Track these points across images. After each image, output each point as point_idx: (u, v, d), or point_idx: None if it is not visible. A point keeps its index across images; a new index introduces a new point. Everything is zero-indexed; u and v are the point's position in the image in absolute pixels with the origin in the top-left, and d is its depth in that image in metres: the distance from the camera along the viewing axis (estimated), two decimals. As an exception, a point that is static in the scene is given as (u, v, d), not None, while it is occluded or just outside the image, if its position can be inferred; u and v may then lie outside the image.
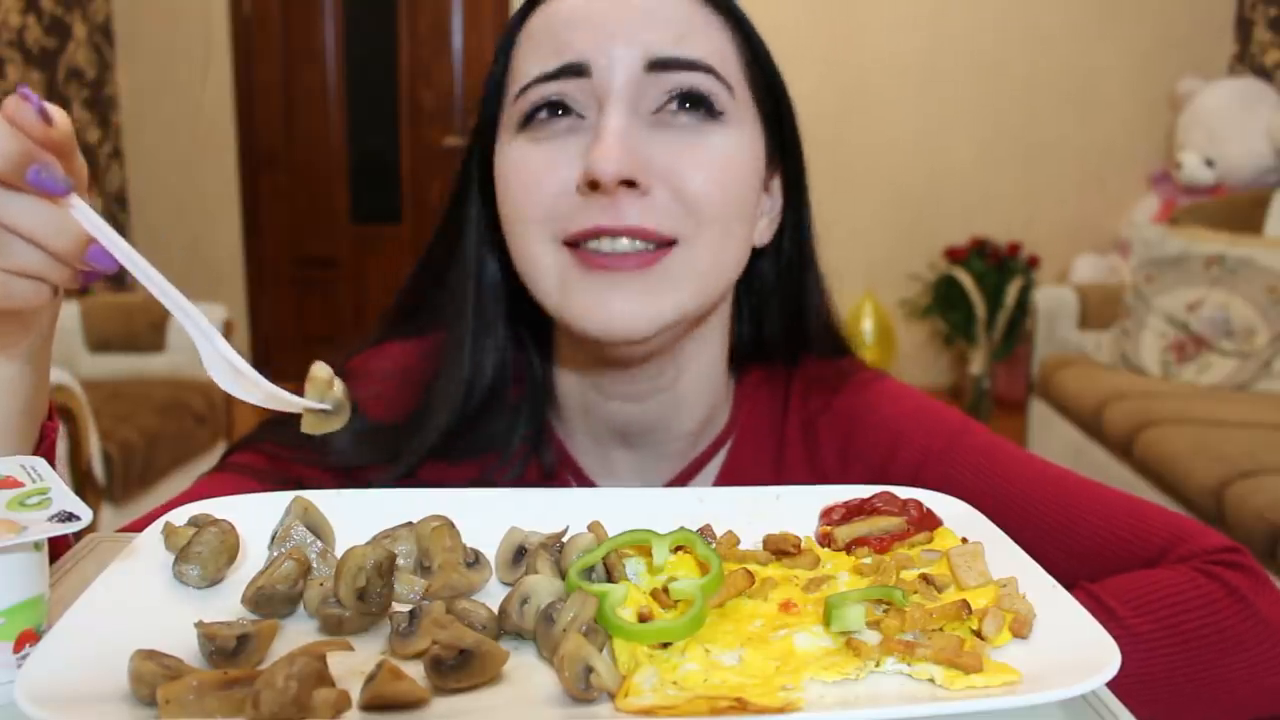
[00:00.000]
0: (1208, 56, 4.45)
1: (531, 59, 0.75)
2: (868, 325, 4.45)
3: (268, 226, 4.93)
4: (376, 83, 4.90)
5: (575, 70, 0.73)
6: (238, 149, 4.74)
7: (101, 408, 2.71)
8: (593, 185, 0.70)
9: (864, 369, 0.90)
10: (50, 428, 0.66)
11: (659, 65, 0.72)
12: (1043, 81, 4.50)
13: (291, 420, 0.81)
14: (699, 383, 0.84)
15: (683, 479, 0.87)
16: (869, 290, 4.49)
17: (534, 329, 0.86)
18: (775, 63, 0.81)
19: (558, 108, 0.73)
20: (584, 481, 0.87)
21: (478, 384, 0.83)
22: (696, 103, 0.73)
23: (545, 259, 0.74)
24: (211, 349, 0.53)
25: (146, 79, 4.56)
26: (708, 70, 0.73)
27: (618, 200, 0.70)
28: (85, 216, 0.51)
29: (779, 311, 0.87)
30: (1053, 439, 3.42)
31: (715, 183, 0.73)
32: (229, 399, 3.25)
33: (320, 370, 0.56)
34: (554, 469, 0.86)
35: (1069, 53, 4.48)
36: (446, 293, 0.85)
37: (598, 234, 0.71)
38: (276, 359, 4.61)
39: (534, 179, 0.73)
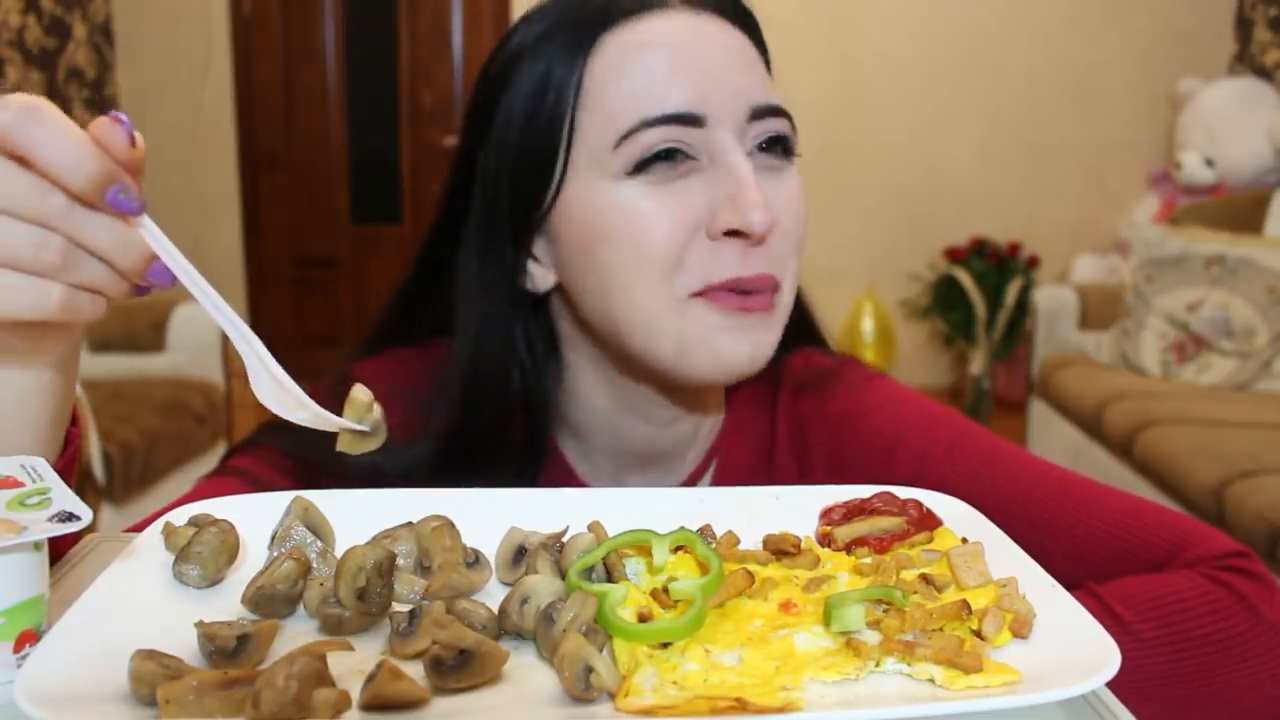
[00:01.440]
0: (1208, 56, 4.45)
1: (631, 98, 0.72)
2: (868, 325, 4.45)
3: (268, 226, 4.94)
4: (376, 83, 4.90)
5: (690, 120, 0.72)
6: (238, 149, 4.75)
7: (101, 408, 2.71)
8: (736, 233, 0.71)
9: (858, 369, 0.89)
10: (74, 434, 0.66)
11: (758, 114, 0.74)
12: (1042, 80, 4.50)
13: (289, 425, 0.81)
14: (717, 395, 0.86)
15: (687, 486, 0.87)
16: (869, 290, 4.49)
17: (539, 358, 0.84)
18: None
19: (673, 153, 0.72)
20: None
21: (471, 424, 0.81)
22: (777, 143, 0.76)
23: (664, 309, 0.73)
24: (260, 366, 0.54)
25: (146, 79, 4.56)
26: (787, 116, 0.77)
27: (753, 251, 0.72)
28: (152, 234, 0.52)
29: None
30: (1053, 439, 3.42)
31: (803, 219, 0.77)
32: (229, 399, 3.27)
33: (361, 393, 0.57)
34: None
35: (1068, 51, 4.48)
36: (427, 335, 0.83)
37: (734, 287, 0.73)
38: (277, 359, 4.60)
39: (663, 228, 0.72)
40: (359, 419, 0.57)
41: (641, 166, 0.72)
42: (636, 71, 0.73)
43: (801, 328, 0.91)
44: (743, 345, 0.74)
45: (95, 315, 0.54)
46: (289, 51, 4.87)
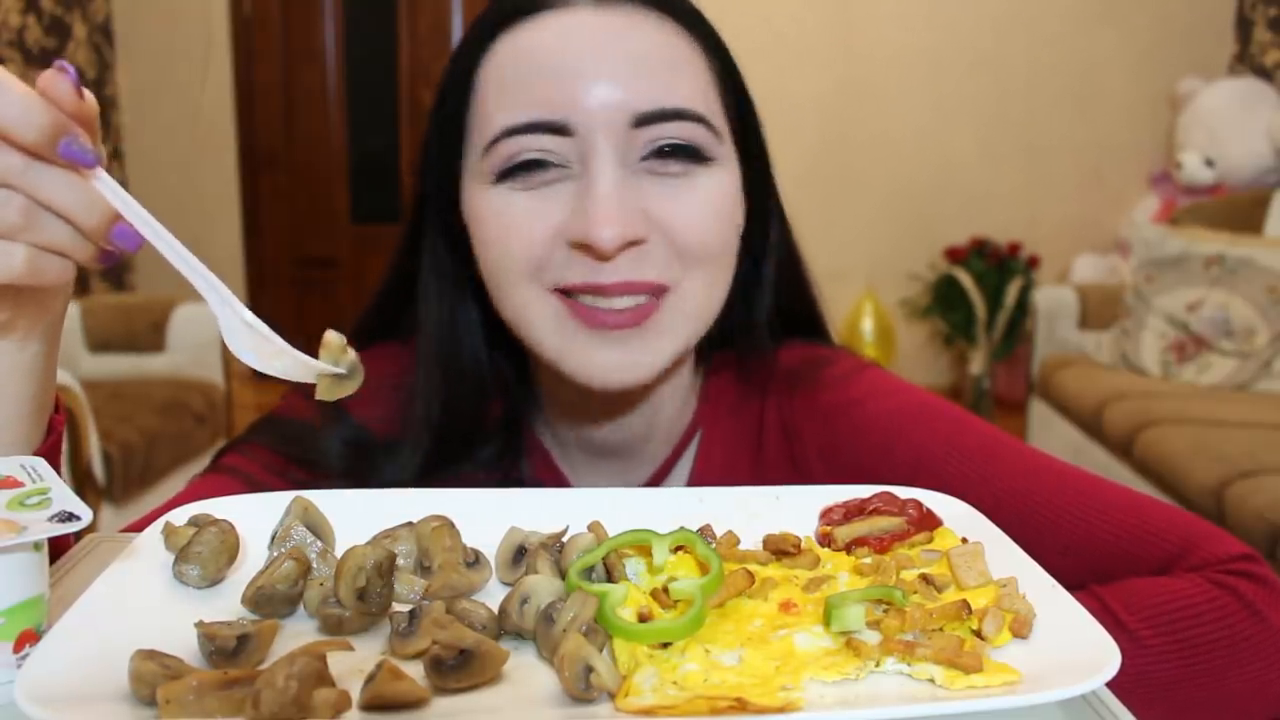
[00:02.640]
0: (1208, 56, 4.45)
1: (501, 104, 0.71)
2: (868, 325, 4.45)
3: (268, 226, 4.94)
4: (376, 83, 4.90)
5: (554, 129, 0.69)
6: (238, 149, 4.75)
7: (101, 408, 2.71)
8: (587, 248, 0.69)
9: (849, 358, 0.88)
10: (57, 420, 0.66)
11: (646, 120, 0.70)
12: (1042, 80, 4.50)
13: (281, 423, 0.81)
14: (672, 388, 0.84)
15: (658, 477, 0.87)
16: (869, 290, 4.50)
17: (511, 351, 0.85)
18: (737, 70, 0.78)
19: (538, 161, 0.71)
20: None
21: (457, 404, 0.81)
22: (685, 150, 0.72)
23: (537, 309, 0.73)
24: (232, 315, 0.53)
25: (146, 79, 4.56)
26: (697, 120, 0.72)
27: (614, 260, 0.70)
28: (109, 189, 0.52)
29: (742, 306, 0.86)
30: (1053, 439, 3.42)
31: (707, 228, 0.73)
32: (229, 399, 3.27)
33: (334, 336, 0.57)
34: (536, 479, 0.86)
35: (1068, 51, 4.48)
36: (417, 316, 0.83)
37: (592, 290, 0.71)
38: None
39: (521, 231, 0.71)
40: (334, 361, 0.56)
41: (506, 174, 0.71)
42: (511, 76, 0.71)
43: (803, 320, 0.90)
44: (606, 360, 0.72)
45: (64, 279, 0.53)
46: (289, 51, 4.87)
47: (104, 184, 0.52)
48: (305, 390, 0.57)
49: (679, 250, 0.72)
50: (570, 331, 0.73)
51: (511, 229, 0.72)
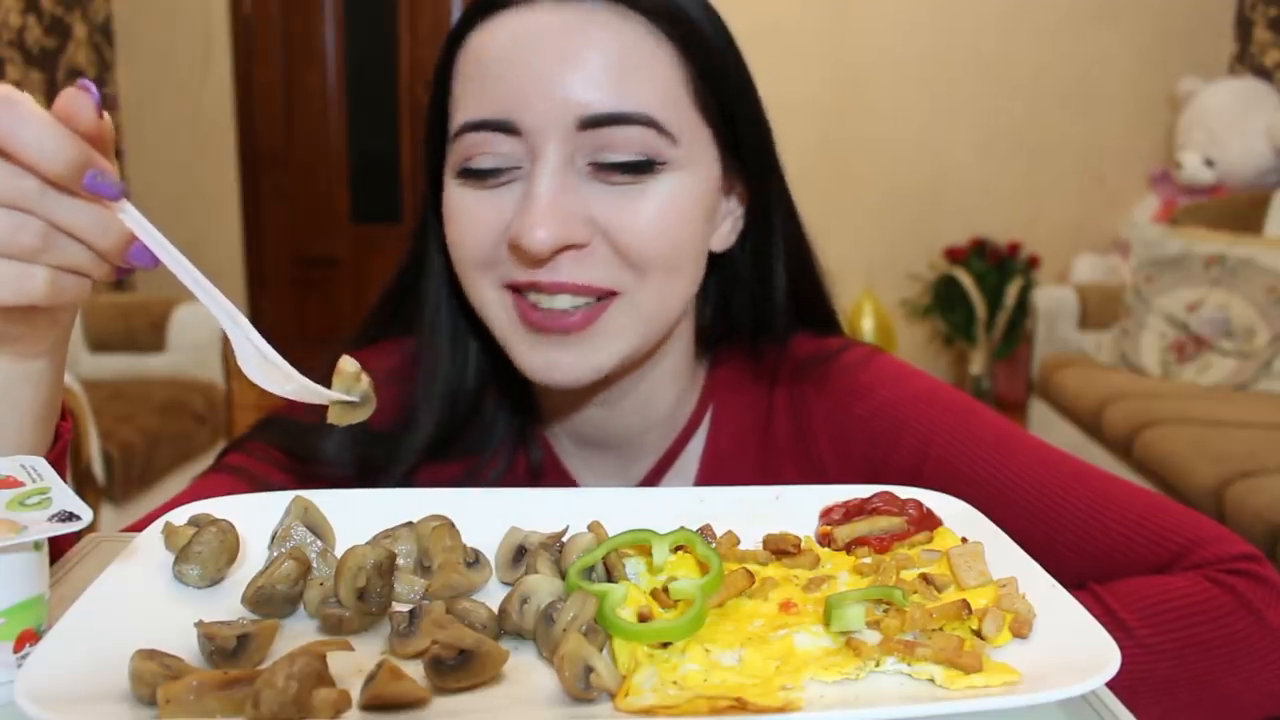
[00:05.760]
0: (1208, 56, 4.45)
1: (463, 100, 0.73)
2: (868, 325, 4.45)
3: (268, 226, 4.94)
4: (376, 83, 4.90)
5: (502, 128, 0.71)
6: (238, 149, 4.75)
7: (101, 408, 2.71)
8: (522, 251, 0.70)
9: (857, 347, 0.88)
10: (64, 428, 0.66)
11: (593, 123, 0.70)
12: (1042, 80, 4.50)
13: (284, 421, 0.82)
14: (665, 380, 0.84)
15: (660, 468, 0.87)
16: (869, 290, 4.49)
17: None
18: (732, 64, 0.76)
19: (492, 158, 0.72)
20: (568, 482, 0.87)
21: (460, 390, 0.83)
22: (630, 166, 0.71)
23: (491, 300, 0.75)
24: (246, 342, 0.55)
25: (146, 79, 4.56)
26: (648, 124, 0.70)
27: (554, 260, 0.71)
28: (132, 218, 0.53)
29: (749, 299, 0.86)
30: (1053, 439, 3.38)
31: (656, 236, 0.72)
32: (229, 399, 3.27)
33: (348, 364, 0.58)
34: (540, 466, 0.86)
35: (1068, 51, 4.48)
36: (420, 302, 0.84)
37: (534, 288, 0.72)
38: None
39: (471, 227, 0.73)
40: (347, 390, 0.57)
41: (465, 171, 0.73)
42: (473, 73, 0.73)
43: (813, 312, 0.89)
44: (548, 358, 0.73)
45: (80, 298, 0.54)
46: (289, 51, 4.87)
47: (128, 214, 0.53)
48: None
49: (626, 257, 0.72)
50: (517, 327, 0.74)
51: (464, 226, 0.74)
